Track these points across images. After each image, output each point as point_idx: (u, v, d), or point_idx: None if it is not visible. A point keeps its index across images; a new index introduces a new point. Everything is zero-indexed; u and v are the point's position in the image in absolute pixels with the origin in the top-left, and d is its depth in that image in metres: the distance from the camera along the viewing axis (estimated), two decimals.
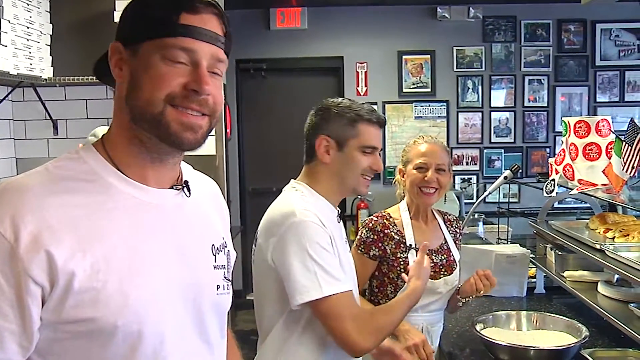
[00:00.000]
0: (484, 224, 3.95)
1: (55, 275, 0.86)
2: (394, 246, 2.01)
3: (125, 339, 0.92)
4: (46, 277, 0.86)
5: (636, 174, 2.06)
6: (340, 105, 1.67)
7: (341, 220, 1.72)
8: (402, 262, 1.99)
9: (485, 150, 5.58)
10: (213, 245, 1.10)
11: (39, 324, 0.88)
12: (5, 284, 0.85)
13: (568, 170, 2.42)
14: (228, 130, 4.41)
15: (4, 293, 0.85)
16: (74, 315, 0.88)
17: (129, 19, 0.99)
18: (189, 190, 1.07)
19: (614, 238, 2.23)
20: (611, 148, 2.20)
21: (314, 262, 1.49)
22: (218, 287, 1.09)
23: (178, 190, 1.05)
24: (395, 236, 2.02)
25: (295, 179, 1.72)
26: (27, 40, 2.95)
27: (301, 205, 1.57)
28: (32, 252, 0.85)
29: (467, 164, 5.58)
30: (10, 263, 0.84)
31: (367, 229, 2.04)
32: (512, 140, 5.57)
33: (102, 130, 2.51)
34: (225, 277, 1.11)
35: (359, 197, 5.17)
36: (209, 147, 3.24)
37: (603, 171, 2.20)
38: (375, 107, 5.30)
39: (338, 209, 1.71)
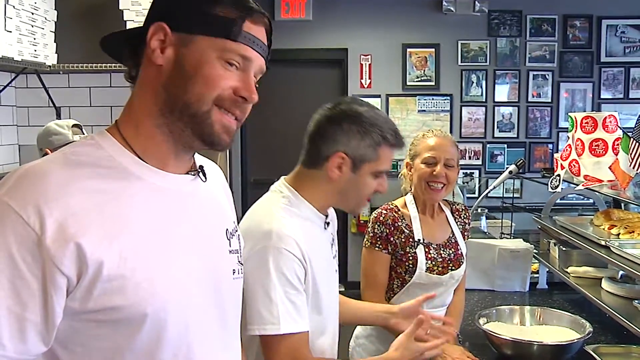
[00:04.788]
0: (486, 218, 3.95)
1: (85, 265, 0.84)
2: (403, 240, 1.99)
3: (152, 327, 0.90)
4: (75, 269, 0.84)
5: None
6: (365, 119, 1.46)
7: (329, 227, 1.57)
8: (410, 257, 1.97)
9: (488, 145, 5.57)
10: (227, 229, 1.10)
11: (61, 317, 0.86)
12: (28, 273, 0.82)
13: (574, 165, 2.41)
14: None
15: (26, 282, 0.82)
16: (102, 304, 0.86)
17: (184, 5, 0.97)
18: (204, 175, 1.06)
19: (618, 234, 2.23)
20: (618, 144, 2.19)
21: (278, 294, 1.37)
22: (234, 271, 1.09)
23: (194, 175, 1.04)
24: (405, 230, 2.00)
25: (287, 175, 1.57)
26: (32, 26, 2.93)
27: (281, 223, 1.43)
28: (60, 243, 0.82)
29: (469, 158, 5.57)
30: (35, 252, 0.82)
31: (378, 223, 1.99)
32: (515, 136, 5.56)
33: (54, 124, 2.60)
34: (239, 261, 1.11)
35: None
36: None
37: (610, 167, 2.20)
38: (378, 99, 5.43)
39: (326, 214, 1.57)
